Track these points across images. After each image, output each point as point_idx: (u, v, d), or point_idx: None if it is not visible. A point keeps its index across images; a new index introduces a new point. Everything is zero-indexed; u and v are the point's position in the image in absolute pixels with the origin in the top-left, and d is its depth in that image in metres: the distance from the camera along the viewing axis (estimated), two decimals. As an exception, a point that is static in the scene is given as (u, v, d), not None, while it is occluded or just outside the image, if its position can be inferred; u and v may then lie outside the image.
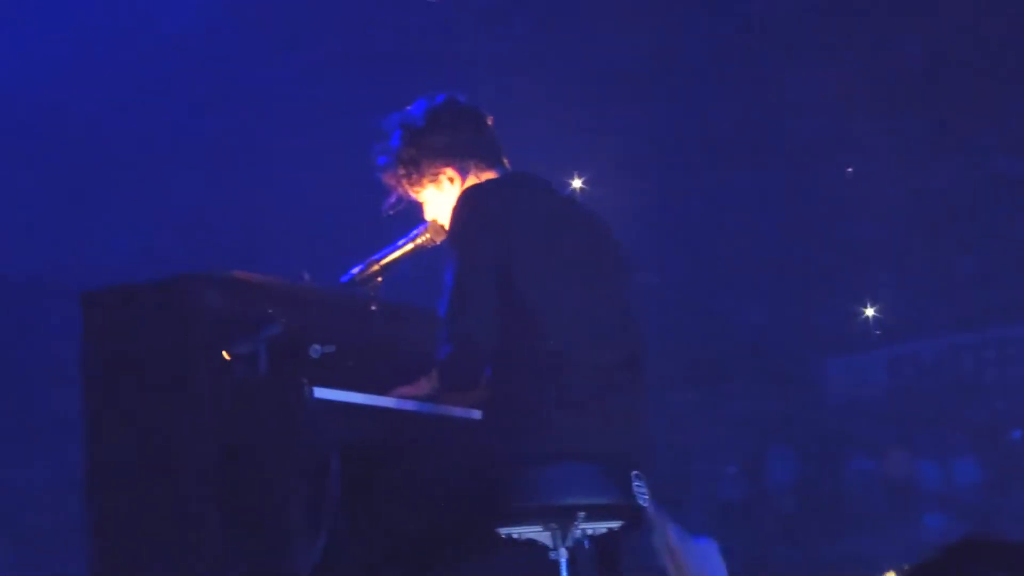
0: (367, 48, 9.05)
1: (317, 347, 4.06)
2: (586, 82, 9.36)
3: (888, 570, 8.72)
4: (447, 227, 4.16)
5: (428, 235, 4.29)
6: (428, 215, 4.31)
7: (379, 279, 4.31)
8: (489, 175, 4.21)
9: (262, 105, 9.08)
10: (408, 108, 4.28)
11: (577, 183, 8.96)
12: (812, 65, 9.62)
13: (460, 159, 4.22)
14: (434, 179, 4.24)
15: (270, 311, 3.95)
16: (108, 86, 8.80)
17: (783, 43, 9.59)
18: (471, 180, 4.22)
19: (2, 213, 8.77)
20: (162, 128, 8.98)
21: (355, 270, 4.31)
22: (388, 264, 4.31)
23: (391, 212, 4.33)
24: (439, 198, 4.26)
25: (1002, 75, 9.55)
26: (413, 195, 4.29)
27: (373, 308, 4.32)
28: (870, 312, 10.00)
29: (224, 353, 3.89)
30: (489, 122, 4.29)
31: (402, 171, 4.25)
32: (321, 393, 3.82)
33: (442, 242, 4.26)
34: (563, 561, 3.84)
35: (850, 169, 9.93)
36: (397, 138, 4.24)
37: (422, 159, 4.22)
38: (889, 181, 9.85)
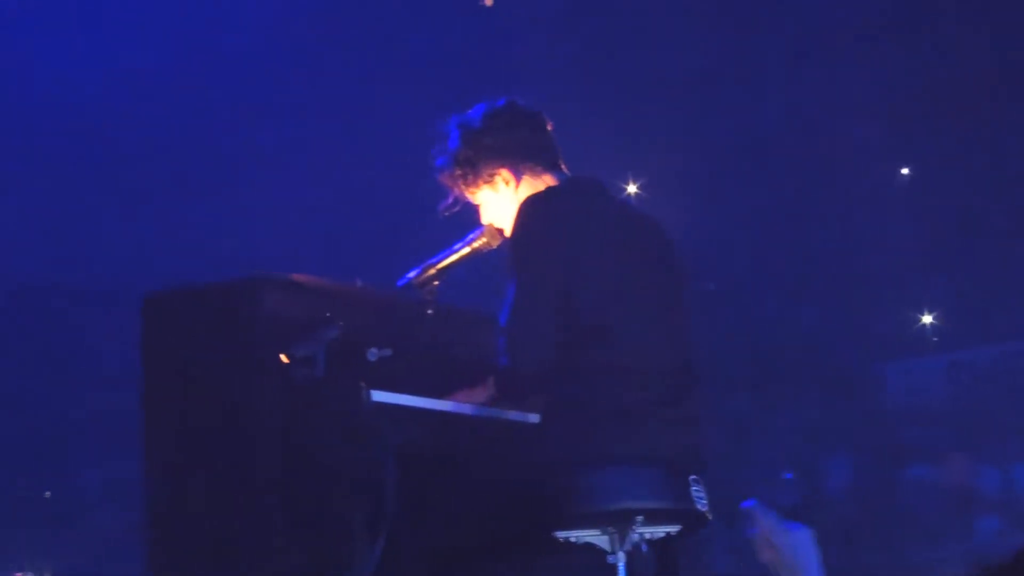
0: (424, 54, 9.09)
1: (374, 350, 4.08)
2: (639, 89, 9.36)
3: (947, 576, 8.67)
4: (506, 234, 4.17)
5: (485, 239, 4.30)
6: (484, 217, 4.32)
7: (436, 283, 4.31)
8: (546, 178, 4.22)
9: (320, 111, 9.14)
10: (468, 111, 4.30)
11: (631, 188, 8.96)
12: (864, 69, 9.58)
13: (515, 161, 4.22)
14: (489, 180, 4.25)
15: (328, 314, 3.97)
16: (168, 94, 8.88)
17: (832, 48, 9.55)
18: (526, 183, 4.22)
19: (63, 221, 8.86)
20: (221, 135, 9.05)
21: (412, 274, 4.32)
22: (445, 268, 4.32)
23: (447, 214, 4.34)
24: (495, 200, 4.27)
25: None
26: (469, 196, 4.30)
27: (429, 312, 4.32)
28: (928, 319, 9.95)
29: (282, 356, 3.91)
30: (548, 126, 4.30)
31: (458, 172, 4.26)
32: (378, 396, 3.83)
33: (499, 247, 4.27)
34: (621, 565, 3.84)
35: (905, 171, 9.87)
36: (455, 139, 4.26)
37: (478, 160, 4.23)
38: (945, 185, 9.79)
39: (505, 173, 4.24)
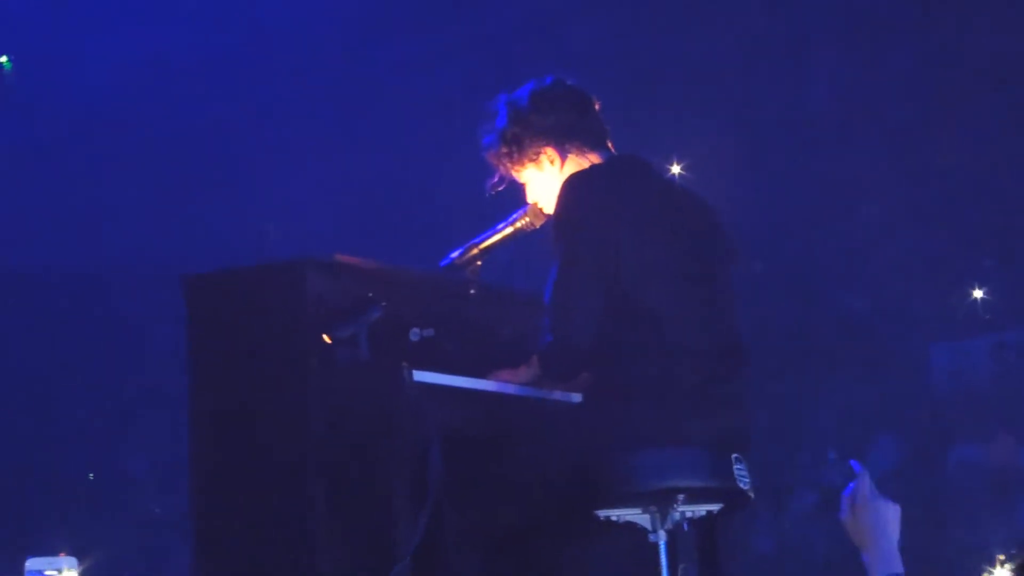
0: (459, 39, 9.08)
1: (417, 331, 4.09)
2: (687, 67, 9.33)
3: (993, 558, 8.63)
4: (551, 212, 4.17)
5: (528, 218, 4.30)
6: (530, 196, 4.32)
7: (478, 263, 4.32)
8: (591, 157, 4.21)
9: (362, 94, 9.15)
10: (517, 90, 4.29)
11: (676, 169, 8.94)
12: (915, 47, 9.52)
13: (561, 140, 4.21)
14: (535, 159, 4.25)
15: (371, 295, 3.98)
16: (209, 79, 8.91)
17: (880, 25, 9.49)
18: (572, 162, 4.22)
19: (104, 206, 8.91)
20: (264, 119, 9.08)
21: (455, 254, 4.33)
22: (487, 248, 4.33)
23: (494, 192, 4.34)
24: (540, 179, 4.27)
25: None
26: (515, 175, 4.30)
27: (472, 292, 4.33)
28: (976, 296, 9.89)
29: (325, 337, 3.92)
30: (596, 105, 4.29)
31: (504, 150, 4.26)
32: (421, 376, 3.84)
33: (543, 226, 4.27)
34: (662, 544, 3.84)
35: (953, 152, 9.80)
36: (502, 117, 4.26)
37: (524, 138, 4.23)
38: (992, 165, 9.72)
39: (551, 152, 4.23)
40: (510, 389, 4.07)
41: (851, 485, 3.54)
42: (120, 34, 8.68)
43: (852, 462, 3.57)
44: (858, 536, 3.40)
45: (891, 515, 3.45)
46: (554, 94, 4.26)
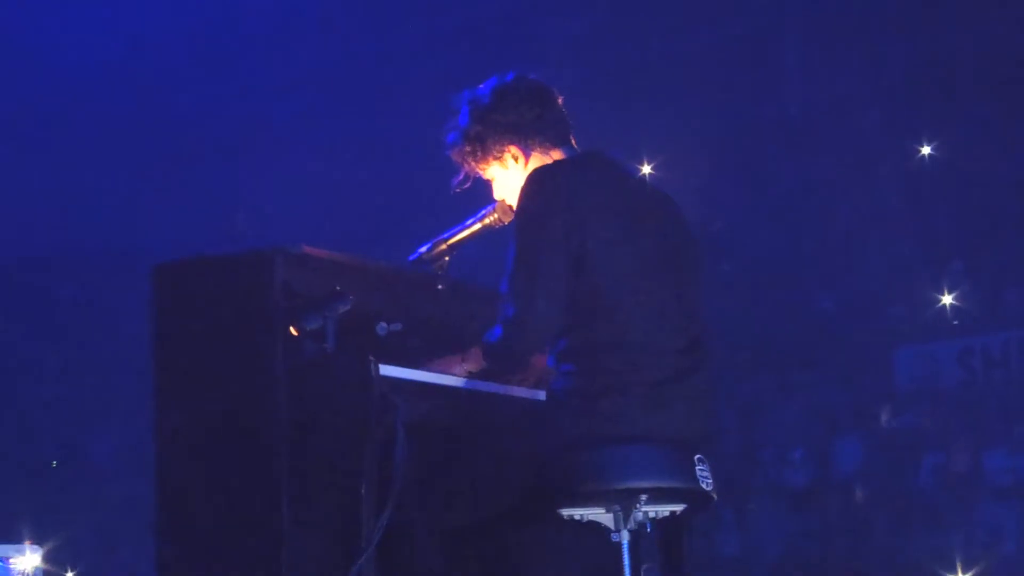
0: (439, 32, 9.08)
1: (384, 325, 4.09)
2: (661, 68, 9.35)
3: (954, 560, 8.67)
4: (515, 207, 4.16)
5: (496, 215, 4.30)
6: (496, 194, 4.31)
7: (446, 258, 4.32)
8: (554, 154, 4.20)
9: (338, 84, 9.14)
10: (479, 86, 4.29)
11: (647, 169, 8.95)
12: (885, 51, 9.56)
13: (524, 137, 4.20)
14: (499, 157, 4.24)
15: (339, 287, 3.98)
16: (183, 63, 8.88)
17: (854, 27, 9.53)
18: (535, 158, 4.21)
19: (75, 191, 8.88)
20: (235, 107, 9.06)
21: (423, 248, 4.33)
22: (456, 243, 4.32)
23: (459, 190, 4.33)
24: (505, 176, 4.26)
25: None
26: (480, 172, 4.29)
27: (440, 287, 4.33)
28: (944, 302, 9.92)
29: (292, 329, 3.92)
30: (559, 101, 4.28)
31: (468, 148, 4.25)
32: (387, 370, 3.84)
33: (510, 223, 4.27)
34: (625, 543, 3.84)
35: (925, 151, 9.84)
36: (464, 115, 4.25)
37: (487, 136, 4.22)
38: (964, 169, 9.77)
39: (514, 150, 4.22)
40: (477, 385, 4.07)
41: None
42: (92, 15, 8.64)
43: None
44: None
45: None
46: (516, 90, 4.24)
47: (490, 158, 4.24)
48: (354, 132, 8.94)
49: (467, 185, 4.31)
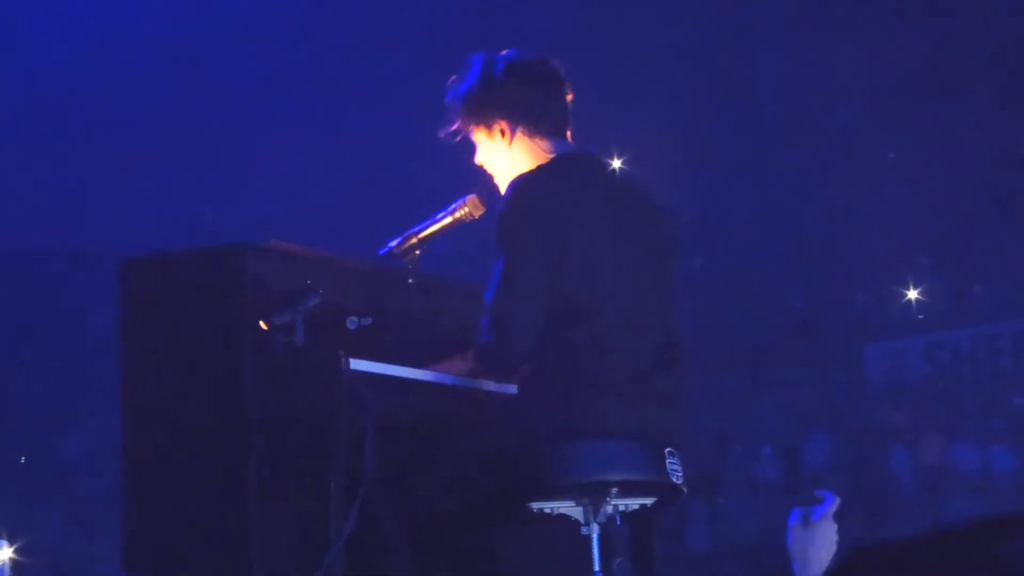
0: (415, 26, 9.07)
1: (354, 319, 4.08)
2: (634, 66, 9.36)
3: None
4: (495, 179, 4.18)
5: (467, 209, 4.30)
6: (477, 157, 4.30)
7: (417, 252, 4.31)
8: (540, 143, 4.19)
9: (309, 82, 9.12)
10: (502, 53, 4.27)
11: (616, 163, 8.96)
12: (855, 51, 9.59)
13: (517, 117, 4.19)
14: (488, 126, 4.23)
15: (309, 282, 3.97)
16: (160, 62, 8.86)
17: (824, 28, 9.56)
18: (520, 140, 4.18)
19: (46, 187, 8.84)
20: (209, 105, 9.03)
21: (393, 242, 4.32)
22: (426, 237, 4.32)
23: (449, 138, 4.31)
24: (489, 146, 4.25)
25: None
26: (467, 132, 4.28)
27: (411, 281, 4.32)
28: (913, 295, 9.96)
29: (262, 323, 3.91)
30: (567, 95, 4.28)
31: (463, 108, 4.25)
32: (357, 365, 3.83)
33: (481, 217, 4.27)
34: (595, 537, 3.85)
35: (892, 155, 9.89)
36: (473, 75, 4.24)
37: (484, 104, 4.21)
38: (932, 167, 9.81)
39: (503, 124, 4.21)
40: (446, 379, 4.07)
41: (821, 506, 3.58)
42: (60, 13, 8.61)
43: (827, 493, 3.61)
44: (801, 544, 3.46)
45: (835, 538, 3.53)
46: (529, 72, 4.25)
47: (481, 124, 4.24)
48: (323, 129, 8.93)
49: (456, 139, 4.30)
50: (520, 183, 4.04)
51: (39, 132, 8.83)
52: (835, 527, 3.54)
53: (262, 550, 3.89)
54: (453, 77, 4.28)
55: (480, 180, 4.30)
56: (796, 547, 3.50)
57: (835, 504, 3.58)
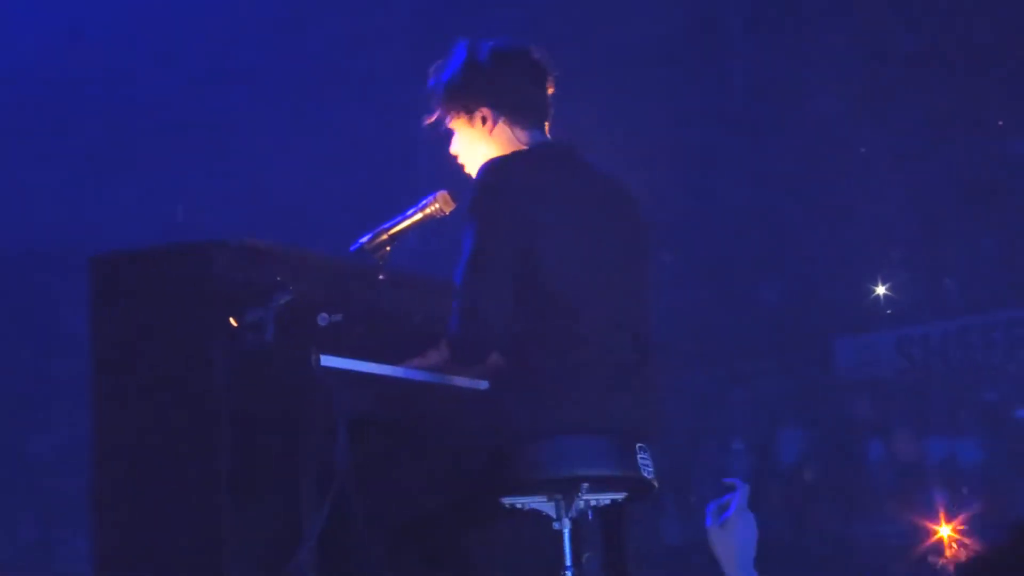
0: (395, 21, 9.05)
1: (325, 315, 4.07)
2: (608, 57, 9.35)
3: (894, 547, 8.73)
4: (468, 169, 4.17)
5: (437, 205, 4.29)
6: (453, 147, 4.28)
7: (388, 248, 4.30)
8: (519, 133, 4.16)
9: (282, 76, 9.10)
10: (490, 39, 4.25)
11: (591, 158, 8.97)
12: (830, 45, 9.61)
13: (499, 105, 4.17)
14: (470, 113, 4.20)
15: (279, 279, 3.96)
16: (127, 56, 8.82)
17: (806, 21, 9.58)
18: (500, 130, 4.16)
19: (13, 185, 8.79)
20: (174, 102, 9.00)
21: (364, 239, 4.31)
22: (397, 233, 4.31)
23: (426, 124, 4.29)
24: (467, 133, 4.22)
25: (1021, 57, 9.54)
26: (447, 118, 4.26)
27: (381, 277, 4.32)
28: (881, 290, 10.00)
29: (232, 320, 3.90)
30: (550, 87, 4.27)
31: (445, 93, 4.23)
32: (328, 361, 3.82)
33: (451, 213, 4.26)
34: (566, 532, 3.86)
35: (863, 149, 9.92)
36: (456, 61, 4.22)
37: (466, 90, 4.19)
38: (903, 161, 9.84)
39: (486, 112, 4.19)
40: (418, 375, 4.07)
41: (729, 497, 3.58)
42: (27, 4, 8.55)
43: (736, 480, 3.61)
44: (722, 546, 3.46)
45: (754, 528, 3.51)
46: (513, 60, 4.22)
47: (462, 111, 4.21)
48: (294, 124, 8.90)
49: (440, 127, 4.28)
50: (496, 163, 4.02)
51: (4, 129, 8.78)
52: (751, 516, 3.54)
53: (234, 548, 3.88)
54: (437, 63, 4.26)
55: (451, 177, 4.30)
56: (719, 551, 3.50)
57: (746, 492, 3.58)
